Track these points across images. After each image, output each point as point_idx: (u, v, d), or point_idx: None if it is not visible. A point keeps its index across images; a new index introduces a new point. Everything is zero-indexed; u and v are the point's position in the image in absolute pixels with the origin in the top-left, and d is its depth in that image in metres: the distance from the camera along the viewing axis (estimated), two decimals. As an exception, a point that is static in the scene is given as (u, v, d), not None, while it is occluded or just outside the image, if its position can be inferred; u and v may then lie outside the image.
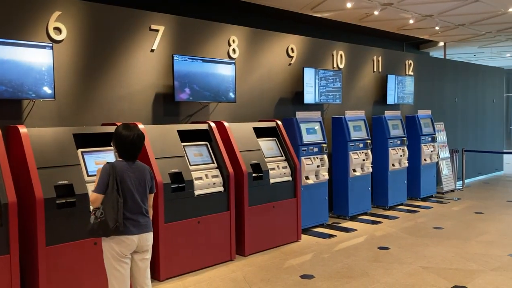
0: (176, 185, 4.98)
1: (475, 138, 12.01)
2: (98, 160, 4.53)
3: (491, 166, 12.68)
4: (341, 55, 8.20)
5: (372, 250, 5.89)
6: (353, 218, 7.58)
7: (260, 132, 6.25)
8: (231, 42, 6.49)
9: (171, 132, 5.30)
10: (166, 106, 5.81)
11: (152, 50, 5.68)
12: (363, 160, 7.62)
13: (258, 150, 6.03)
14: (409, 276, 4.94)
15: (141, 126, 4.87)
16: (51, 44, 4.64)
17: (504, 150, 14.56)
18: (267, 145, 6.26)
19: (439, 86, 10.76)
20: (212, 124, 5.69)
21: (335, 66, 8.11)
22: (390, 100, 8.94)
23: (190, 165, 5.24)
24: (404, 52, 11.68)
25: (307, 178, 6.72)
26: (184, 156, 5.23)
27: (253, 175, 5.76)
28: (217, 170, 5.46)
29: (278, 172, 6.11)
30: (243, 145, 5.85)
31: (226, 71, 6.13)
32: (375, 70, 8.95)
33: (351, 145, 7.49)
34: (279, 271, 5.16)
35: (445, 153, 10.07)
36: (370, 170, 7.81)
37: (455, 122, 11.25)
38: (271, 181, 5.98)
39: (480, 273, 5.01)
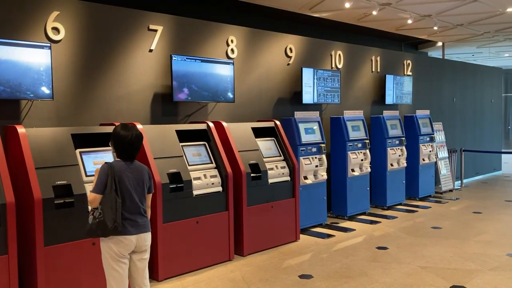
0: (175, 185, 4.98)
1: (474, 138, 12.02)
2: (96, 160, 4.53)
3: (490, 166, 12.70)
4: (339, 55, 8.21)
5: (370, 250, 5.90)
6: (351, 218, 7.59)
7: (259, 132, 6.25)
8: (229, 42, 6.49)
9: (169, 132, 5.30)
10: (165, 106, 5.81)
11: (151, 50, 5.68)
12: (362, 160, 7.63)
13: (257, 150, 6.03)
14: (407, 276, 4.94)
15: (139, 126, 4.87)
16: (49, 44, 4.63)
17: (503, 150, 14.58)
18: (266, 145, 6.26)
19: (438, 86, 10.77)
20: (211, 124, 5.69)
21: (333, 66, 8.12)
22: (389, 100, 8.95)
23: (189, 165, 5.24)
24: (402, 52, 11.69)
25: (305, 178, 6.72)
26: (182, 156, 5.23)
27: (252, 175, 5.76)
28: (216, 170, 5.46)
29: (277, 172, 6.11)
30: (241, 145, 5.85)
31: (224, 71, 6.13)
32: (373, 70, 8.96)
33: (349, 145, 7.49)
34: (277, 271, 5.17)
35: (443, 153, 10.08)
36: (369, 170, 7.82)
37: (454, 122, 11.27)
38: (270, 181, 5.98)
39: (479, 272, 5.02)
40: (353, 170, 7.53)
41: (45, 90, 4.57)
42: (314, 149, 6.90)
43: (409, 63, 9.85)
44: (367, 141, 7.80)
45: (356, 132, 7.68)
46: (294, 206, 6.29)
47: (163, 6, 6.70)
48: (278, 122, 6.53)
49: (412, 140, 8.98)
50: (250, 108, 6.79)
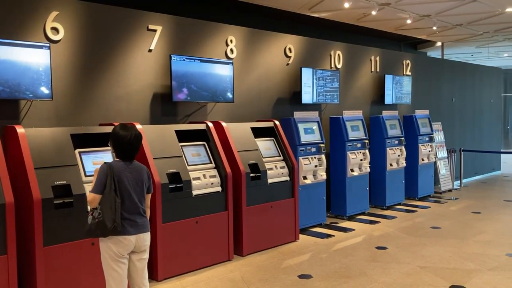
0: (174, 185, 4.98)
1: (473, 138, 12.03)
2: (95, 160, 4.53)
3: (489, 165, 12.71)
4: (338, 55, 8.21)
5: (370, 250, 5.90)
6: (351, 218, 7.59)
7: (258, 132, 6.25)
8: (228, 42, 6.49)
9: (169, 132, 5.30)
10: (164, 106, 5.81)
11: (150, 50, 5.67)
12: (361, 160, 7.63)
13: (256, 150, 6.03)
14: (407, 275, 4.95)
15: (138, 126, 4.87)
16: (48, 44, 4.63)
17: (502, 150, 14.59)
18: (265, 145, 6.26)
19: (437, 86, 10.78)
20: (210, 124, 5.69)
21: (332, 66, 8.12)
22: (388, 100, 8.95)
23: (188, 165, 5.24)
24: (401, 52, 11.70)
25: (305, 178, 6.73)
26: (182, 156, 5.23)
27: (251, 175, 5.76)
28: (215, 170, 5.46)
29: (276, 172, 6.11)
30: (241, 145, 5.85)
31: (224, 71, 6.13)
32: (372, 70, 8.96)
33: (349, 145, 7.50)
34: (277, 271, 5.17)
35: (442, 153, 10.09)
36: (368, 170, 7.82)
37: (453, 122, 11.27)
38: (269, 181, 5.99)
39: (478, 272, 5.02)
40: (352, 170, 7.53)
41: (44, 90, 4.57)
42: (313, 149, 6.90)
43: (408, 63, 9.86)
44: (367, 141, 7.80)
45: (356, 132, 7.68)
46: (294, 206, 6.29)
47: (162, 6, 6.70)
48: (277, 122, 6.53)
49: (411, 140, 8.98)
50: (250, 108, 6.79)
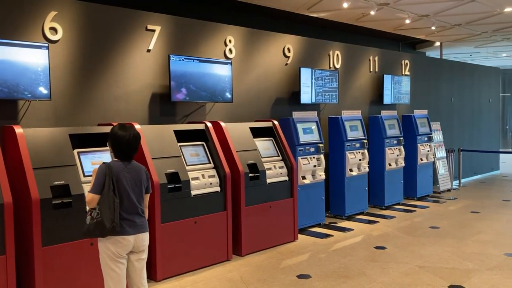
0: (173, 185, 4.97)
1: (471, 137, 12.05)
2: (94, 160, 4.53)
3: (487, 165, 12.72)
4: (337, 55, 8.21)
5: (368, 249, 5.90)
6: (349, 218, 7.59)
7: (257, 132, 6.25)
8: (227, 42, 6.49)
9: (167, 132, 5.29)
10: (163, 106, 5.81)
11: (149, 50, 5.67)
12: (360, 160, 7.63)
13: (255, 150, 6.03)
14: (405, 275, 4.95)
15: (137, 126, 4.87)
16: (47, 44, 4.63)
17: (500, 150, 14.60)
18: (264, 145, 6.26)
19: (435, 86, 10.79)
20: (209, 124, 5.69)
21: (331, 66, 8.12)
22: (387, 100, 8.96)
23: (187, 165, 5.23)
24: (400, 52, 11.71)
25: (303, 178, 6.73)
26: (180, 156, 5.23)
27: (250, 175, 5.76)
28: (214, 170, 5.45)
29: (275, 172, 6.11)
30: (239, 145, 5.85)
31: (222, 71, 6.13)
32: (371, 70, 8.96)
33: (347, 145, 7.50)
34: (275, 271, 5.17)
35: (441, 153, 10.10)
36: (367, 169, 7.82)
37: (451, 121, 11.28)
38: (268, 181, 5.99)
39: (476, 272, 5.02)
40: (351, 170, 7.53)
41: (43, 90, 4.56)
42: (312, 149, 6.90)
43: (407, 63, 9.86)
44: (365, 141, 7.81)
45: (354, 132, 7.68)
46: (292, 206, 6.29)
47: (161, 6, 6.70)
48: (276, 122, 6.54)
49: (410, 140, 8.99)
50: (248, 108, 6.79)
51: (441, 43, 12.87)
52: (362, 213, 7.89)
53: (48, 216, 4.02)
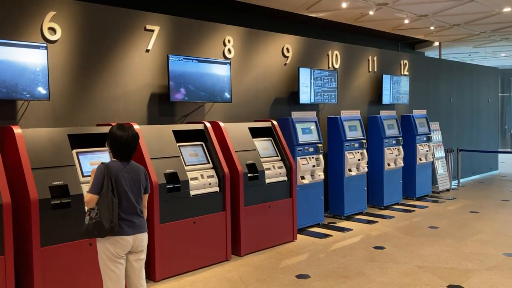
0: (172, 186, 4.97)
1: (470, 137, 12.05)
2: (93, 160, 4.52)
3: (486, 165, 12.73)
4: (336, 55, 8.21)
5: (367, 249, 5.90)
6: (348, 218, 7.59)
7: (256, 132, 6.25)
8: (226, 42, 6.48)
9: (166, 132, 5.29)
10: (162, 106, 5.81)
11: (147, 50, 5.67)
12: (359, 160, 7.63)
13: (254, 150, 6.03)
14: (404, 275, 4.95)
15: (136, 127, 4.86)
16: (45, 44, 4.62)
17: (499, 150, 14.61)
18: (263, 145, 6.26)
19: (434, 86, 10.79)
20: (208, 124, 5.69)
21: (330, 66, 8.12)
22: (386, 100, 8.96)
23: (186, 165, 5.23)
24: (399, 52, 11.71)
25: (302, 178, 6.73)
26: (179, 156, 5.22)
27: (249, 175, 5.76)
28: (213, 170, 5.45)
29: (274, 172, 6.11)
30: (238, 145, 5.85)
31: (221, 71, 6.13)
32: (370, 70, 8.97)
33: (346, 145, 7.50)
34: (274, 271, 5.17)
35: (440, 153, 10.11)
36: (366, 169, 7.82)
37: (450, 121, 11.29)
38: (267, 181, 5.98)
39: (475, 272, 5.03)
40: (350, 170, 7.54)
41: (42, 90, 4.56)
42: (311, 149, 6.90)
43: (406, 63, 9.87)
44: (364, 141, 7.81)
45: (353, 132, 7.68)
46: (291, 206, 6.29)
47: (159, 6, 6.69)
48: (275, 122, 6.53)
49: (409, 140, 8.99)
50: (247, 108, 6.79)
51: (440, 43, 12.88)
52: (361, 213, 7.89)
53: (47, 216, 4.02)
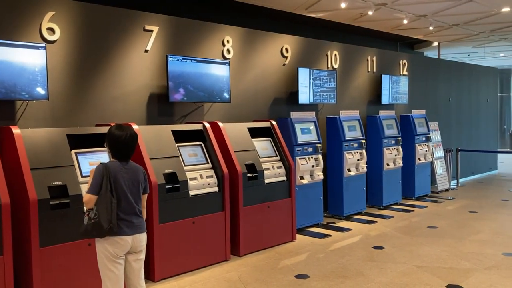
0: (171, 186, 4.97)
1: (469, 137, 12.06)
2: (92, 161, 4.52)
3: (485, 165, 12.74)
4: (335, 55, 8.22)
5: (366, 249, 5.91)
6: (348, 218, 7.60)
7: (255, 132, 6.25)
8: (225, 42, 6.49)
9: (165, 132, 5.29)
10: (161, 106, 5.81)
11: (146, 51, 5.67)
12: (358, 160, 7.64)
13: (253, 150, 6.03)
14: (403, 275, 4.96)
15: (135, 127, 4.86)
16: (44, 45, 4.62)
17: (498, 150, 14.63)
18: (262, 145, 6.26)
19: (433, 86, 10.80)
20: (207, 125, 5.69)
21: (329, 66, 8.13)
22: (385, 100, 8.97)
23: (185, 166, 5.23)
24: (398, 52, 11.72)
25: (301, 178, 6.73)
26: (178, 156, 5.22)
27: (248, 175, 5.76)
28: (212, 170, 5.45)
29: (273, 172, 6.11)
30: (237, 145, 5.85)
31: (220, 71, 6.13)
32: (369, 70, 8.97)
33: (345, 145, 7.50)
34: (274, 271, 5.17)
35: (439, 153, 10.11)
36: (365, 169, 7.82)
37: (449, 121, 11.30)
38: (266, 181, 5.99)
39: (474, 272, 5.03)
40: (349, 170, 7.54)
41: (40, 90, 4.56)
42: (310, 149, 6.91)
43: (405, 63, 9.87)
44: (363, 141, 7.81)
45: (352, 132, 7.69)
46: (291, 206, 6.29)
47: (158, 6, 6.70)
48: (274, 122, 6.54)
49: (408, 140, 8.99)
50: (246, 108, 6.79)
51: (439, 43, 12.89)
52: (360, 213, 7.90)
53: (46, 216, 4.02)
